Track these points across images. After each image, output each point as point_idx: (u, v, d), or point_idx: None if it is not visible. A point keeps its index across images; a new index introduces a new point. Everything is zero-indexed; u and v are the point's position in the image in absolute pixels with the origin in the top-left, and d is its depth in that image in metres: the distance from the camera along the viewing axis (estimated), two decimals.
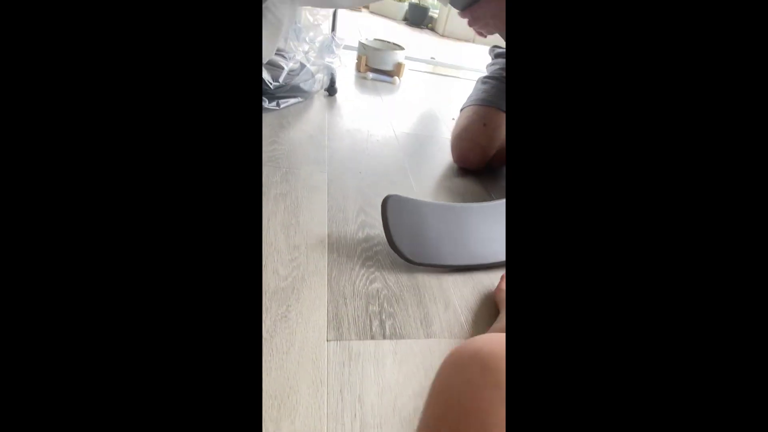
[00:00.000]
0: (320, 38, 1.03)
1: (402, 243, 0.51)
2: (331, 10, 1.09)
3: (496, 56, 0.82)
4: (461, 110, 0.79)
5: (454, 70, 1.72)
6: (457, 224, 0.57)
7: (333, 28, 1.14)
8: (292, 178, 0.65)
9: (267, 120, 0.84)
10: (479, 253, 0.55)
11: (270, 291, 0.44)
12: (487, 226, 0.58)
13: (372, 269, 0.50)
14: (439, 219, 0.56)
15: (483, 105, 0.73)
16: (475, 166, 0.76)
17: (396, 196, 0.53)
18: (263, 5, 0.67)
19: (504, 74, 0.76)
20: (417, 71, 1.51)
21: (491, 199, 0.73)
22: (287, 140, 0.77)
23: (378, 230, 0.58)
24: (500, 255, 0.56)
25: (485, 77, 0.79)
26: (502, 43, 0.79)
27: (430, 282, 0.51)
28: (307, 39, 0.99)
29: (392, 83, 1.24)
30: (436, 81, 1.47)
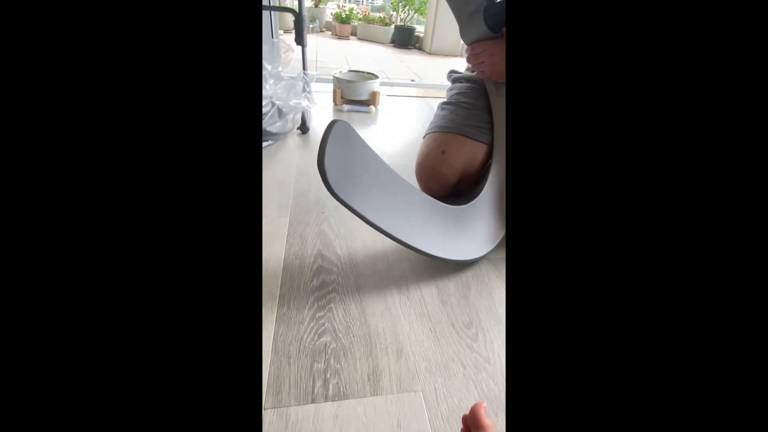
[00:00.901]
0: (290, 78, 1.06)
1: (331, 168, 0.45)
2: (299, 49, 1.11)
3: (454, 81, 0.82)
4: (423, 137, 0.78)
5: (435, 90, 1.72)
6: (397, 192, 0.54)
7: (303, 67, 1.16)
8: None
9: None
10: (405, 230, 0.52)
11: None
12: (426, 215, 0.56)
13: (322, 321, 0.49)
14: (381, 173, 0.52)
15: (441, 132, 0.72)
16: (439, 194, 0.74)
17: (345, 123, 0.48)
18: None
19: (461, 99, 0.75)
20: (396, 96, 1.52)
21: None
22: None
23: (334, 276, 0.57)
24: (425, 244, 0.54)
25: (443, 103, 0.78)
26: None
27: (383, 328, 0.49)
28: (270, 81, 1.02)
29: (368, 112, 1.25)
30: (416, 104, 1.48)
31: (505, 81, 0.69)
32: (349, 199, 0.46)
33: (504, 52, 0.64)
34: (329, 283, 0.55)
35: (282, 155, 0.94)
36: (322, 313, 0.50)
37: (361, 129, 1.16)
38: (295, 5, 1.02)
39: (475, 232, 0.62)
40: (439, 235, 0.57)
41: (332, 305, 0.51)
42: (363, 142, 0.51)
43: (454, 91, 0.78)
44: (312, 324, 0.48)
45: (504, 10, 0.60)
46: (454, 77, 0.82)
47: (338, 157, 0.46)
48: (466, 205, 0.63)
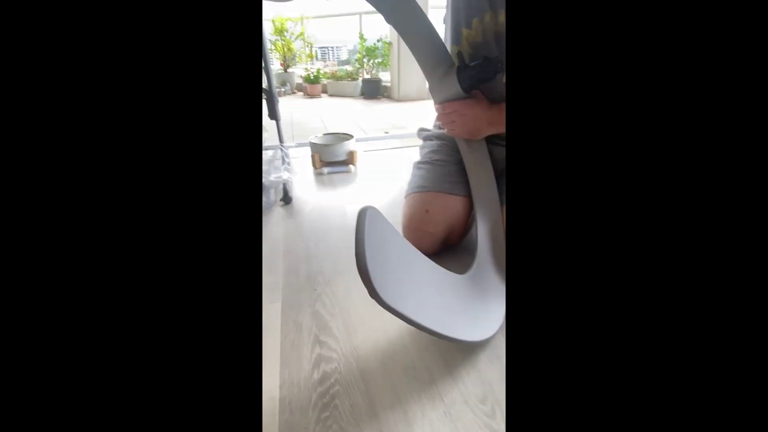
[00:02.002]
0: (267, 153, 1.08)
1: (376, 272, 0.39)
2: (274, 124, 1.15)
3: (425, 138, 0.84)
4: (405, 197, 0.79)
5: (410, 140, 1.78)
6: (429, 279, 0.52)
7: (280, 140, 1.19)
8: None
9: None
10: (444, 321, 0.49)
11: None
12: (451, 293, 0.55)
13: (329, 422, 0.45)
14: (411, 260, 0.49)
15: (422, 192, 0.73)
16: (431, 251, 0.74)
17: (376, 211, 0.43)
18: None
19: (435, 157, 0.77)
20: (373, 151, 1.56)
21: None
22: None
23: (335, 363, 0.54)
24: (460, 330, 0.51)
25: (419, 162, 0.80)
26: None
27: (395, 419, 0.45)
28: None
29: (348, 172, 1.27)
30: (393, 156, 1.51)
31: (475, 138, 0.71)
32: (396, 303, 0.41)
33: (474, 110, 0.66)
34: (331, 374, 0.52)
35: (267, 231, 0.93)
36: (327, 413, 0.46)
37: (342, 189, 1.17)
38: (264, 83, 1.07)
39: (489, 295, 0.61)
40: (466, 313, 0.56)
41: (337, 401, 0.48)
42: (392, 228, 0.47)
43: (427, 150, 0.81)
44: (318, 428, 0.45)
45: (477, 72, 0.63)
46: (425, 135, 0.84)
47: (377, 258, 0.41)
48: (473, 267, 0.62)
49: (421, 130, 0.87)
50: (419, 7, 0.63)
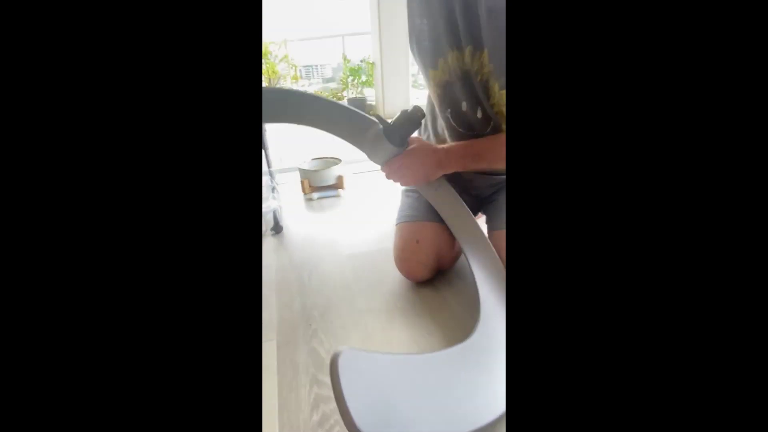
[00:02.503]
0: None
1: (360, 414, 0.41)
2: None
3: None
4: (395, 225, 0.80)
5: None
6: (428, 380, 0.48)
7: (268, 166, 1.19)
8: None
9: None
10: (461, 416, 0.46)
11: None
12: (465, 376, 0.50)
13: None
14: (406, 376, 0.47)
15: (411, 221, 0.74)
16: (423, 279, 0.75)
17: (347, 352, 0.44)
18: None
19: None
20: (362, 173, 1.58)
21: (453, 309, 0.71)
22: None
23: (334, 403, 0.53)
24: (484, 413, 0.47)
25: (406, 190, 0.81)
26: None
27: None
28: None
29: (337, 196, 1.28)
30: (381, 177, 1.53)
31: (430, 180, 0.69)
32: None
33: (418, 158, 0.66)
34: (330, 414, 0.52)
35: None
36: None
37: (332, 213, 1.18)
38: None
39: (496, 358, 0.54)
40: (472, 397, 0.49)
41: None
42: (370, 357, 0.47)
43: None
44: None
45: (402, 124, 0.64)
46: None
47: (360, 397, 0.41)
48: (478, 325, 0.57)
49: None
50: (315, 96, 0.67)
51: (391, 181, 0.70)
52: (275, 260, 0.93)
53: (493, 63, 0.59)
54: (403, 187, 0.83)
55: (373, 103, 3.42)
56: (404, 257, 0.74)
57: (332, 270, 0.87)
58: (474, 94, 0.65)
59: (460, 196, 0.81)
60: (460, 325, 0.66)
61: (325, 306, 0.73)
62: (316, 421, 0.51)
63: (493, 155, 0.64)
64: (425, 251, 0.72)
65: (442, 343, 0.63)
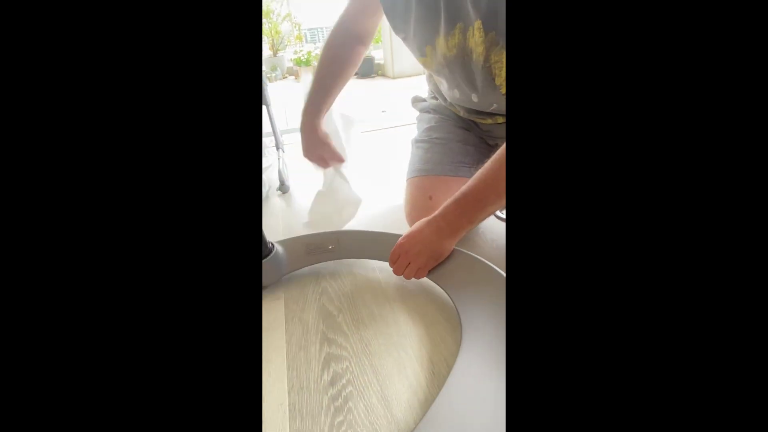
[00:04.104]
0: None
1: None
2: (264, 109, 1.08)
3: (421, 110, 0.78)
4: (406, 180, 0.74)
5: (408, 118, 1.71)
6: None
7: (272, 124, 1.13)
8: None
9: None
10: None
11: None
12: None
13: (344, 428, 0.42)
14: None
15: (423, 175, 0.68)
16: None
17: None
18: None
19: (433, 135, 0.71)
20: (371, 131, 1.50)
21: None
22: None
23: (346, 362, 0.50)
24: None
25: (417, 140, 0.75)
26: None
27: (415, 420, 0.42)
28: None
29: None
30: (391, 136, 1.45)
31: (443, 257, 0.58)
32: None
33: (411, 235, 0.57)
34: (342, 374, 0.48)
35: (265, 222, 0.88)
36: (341, 417, 0.43)
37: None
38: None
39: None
40: None
41: (351, 403, 0.44)
42: None
43: (425, 125, 0.75)
44: None
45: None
46: (421, 106, 0.78)
47: None
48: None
49: (416, 99, 0.80)
50: None
51: (434, 93, 0.66)
52: (282, 220, 0.89)
53: (494, 30, 0.51)
54: (414, 138, 0.76)
55: (382, 62, 3.25)
56: (416, 215, 0.68)
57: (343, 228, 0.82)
58: (469, 78, 0.59)
59: (479, 147, 0.74)
60: (490, 276, 0.62)
61: (333, 265, 0.69)
62: (327, 381, 0.48)
63: (496, 190, 0.52)
64: (438, 207, 0.66)
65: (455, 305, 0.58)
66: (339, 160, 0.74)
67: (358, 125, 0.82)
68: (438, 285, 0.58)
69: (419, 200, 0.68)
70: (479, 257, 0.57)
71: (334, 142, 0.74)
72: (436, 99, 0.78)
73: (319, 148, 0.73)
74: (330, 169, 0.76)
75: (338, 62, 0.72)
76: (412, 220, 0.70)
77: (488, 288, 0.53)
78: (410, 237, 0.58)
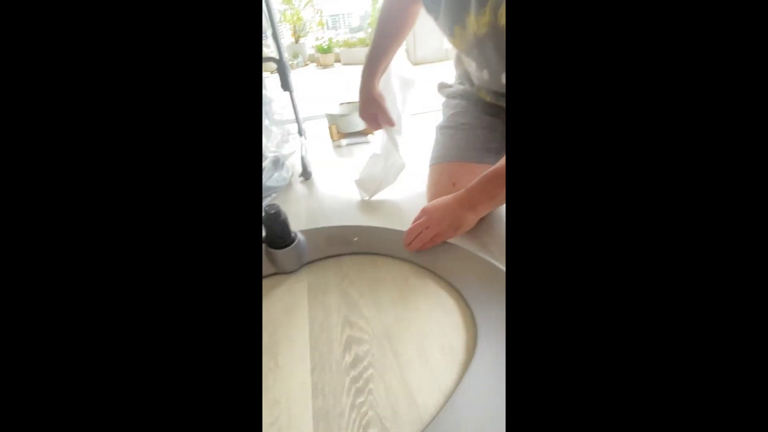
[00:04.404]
0: (281, 125, 1.03)
1: None
2: (286, 94, 1.09)
3: (447, 96, 0.77)
4: (429, 166, 0.73)
5: (431, 104, 1.67)
6: None
7: (294, 111, 1.14)
8: (269, 303, 0.60)
9: None
10: None
11: None
12: None
13: (364, 408, 0.43)
14: None
15: (447, 162, 0.67)
16: None
17: None
18: None
19: (459, 120, 0.70)
20: None
21: (493, 256, 0.65)
22: None
23: (367, 345, 0.51)
24: None
25: (441, 126, 0.73)
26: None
27: (434, 404, 0.42)
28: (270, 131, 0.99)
29: (367, 142, 1.21)
30: (413, 123, 1.43)
31: (466, 229, 0.61)
32: None
33: (436, 206, 0.60)
34: (363, 356, 0.49)
35: (288, 209, 0.90)
36: (362, 398, 0.44)
37: (362, 159, 1.12)
38: (271, 52, 1.01)
39: None
40: None
41: (371, 385, 0.45)
42: None
43: (450, 111, 0.73)
44: (354, 415, 0.42)
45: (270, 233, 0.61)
46: (447, 92, 0.77)
47: None
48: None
49: (443, 86, 0.79)
50: None
51: (461, 78, 0.66)
52: (305, 207, 0.90)
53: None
54: (439, 124, 0.75)
55: (404, 48, 3.19)
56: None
57: (363, 216, 0.82)
58: (500, 57, 0.58)
59: (504, 134, 0.72)
60: (500, 276, 0.61)
61: (354, 251, 0.70)
62: (348, 363, 0.49)
63: None
64: None
65: (479, 296, 0.58)
66: (389, 123, 0.74)
67: (416, 88, 0.82)
68: (449, 282, 0.58)
69: (443, 186, 0.67)
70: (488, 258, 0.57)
71: (389, 104, 0.74)
72: (463, 85, 0.76)
73: (373, 108, 0.73)
74: (382, 131, 0.76)
75: (393, 22, 0.73)
76: None
77: (500, 285, 0.55)
78: (434, 203, 0.60)
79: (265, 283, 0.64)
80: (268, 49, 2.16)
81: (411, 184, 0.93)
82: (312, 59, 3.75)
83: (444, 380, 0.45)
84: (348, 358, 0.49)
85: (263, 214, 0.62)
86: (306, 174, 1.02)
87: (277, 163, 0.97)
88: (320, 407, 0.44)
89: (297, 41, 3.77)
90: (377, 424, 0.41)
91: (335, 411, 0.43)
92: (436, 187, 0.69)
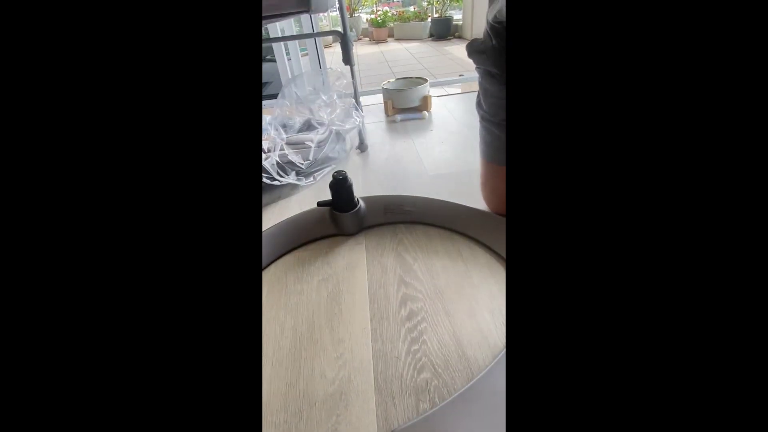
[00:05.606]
0: (343, 99, 1.07)
1: None
2: (347, 69, 1.13)
3: (477, 64, 0.64)
4: (484, 161, 0.71)
5: None
6: None
7: (354, 85, 1.17)
8: (332, 259, 0.66)
9: (305, 196, 0.88)
10: None
11: (319, 400, 0.44)
12: None
13: (419, 355, 0.48)
14: None
15: (495, 164, 0.67)
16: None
17: None
18: None
19: (501, 115, 0.64)
20: (447, 96, 1.47)
21: None
22: None
23: (421, 303, 0.56)
24: None
25: (485, 118, 0.67)
26: None
27: (483, 358, 0.47)
28: (327, 110, 1.04)
29: (422, 118, 1.23)
30: (469, 100, 1.42)
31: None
32: None
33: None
34: (417, 312, 0.54)
35: None
36: (417, 347, 0.49)
37: (417, 137, 1.14)
38: (332, 26, 1.04)
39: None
40: None
41: (425, 337, 0.50)
42: None
43: (489, 99, 0.65)
44: (409, 359, 0.48)
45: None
46: (475, 47, 0.63)
47: None
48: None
49: (473, 42, 0.64)
50: None
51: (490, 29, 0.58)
52: (362, 177, 0.95)
53: None
54: (481, 113, 0.68)
55: (460, 22, 3.08)
56: (496, 201, 0.69)
57: (416, 187, 0.86)
58: None
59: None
60: None
61: (410, 220, 0.74)
62: (404, 315, 0.54)
63: None
64: (501, 191, 0.66)
65: None
66: None
67: None
68: (501, 255, 0.60)
69: (491, 180, 0.69)
70: None
71: None
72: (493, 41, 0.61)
73: None
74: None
75: None
76: (490, 203, 0.71)
77: None
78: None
79: (328, 242, 0.71)
80: (328, 22, 2.18)
81: (465, 160, 0.95)
82: (365, 33, 3.74)
83: (493, 340, 0.49)
84: (404, 312, 0.54)
85: (331, 180, 0.68)
86: (362, 146, 1.07)
87: (339, 136, 1.03)
88: (379, 349, 0.49)
89: (351, 15, 3.76)
90: (430, 369, 0.46)
91: (392, 354, 0.48)
92: (485, 179, 0.71)
